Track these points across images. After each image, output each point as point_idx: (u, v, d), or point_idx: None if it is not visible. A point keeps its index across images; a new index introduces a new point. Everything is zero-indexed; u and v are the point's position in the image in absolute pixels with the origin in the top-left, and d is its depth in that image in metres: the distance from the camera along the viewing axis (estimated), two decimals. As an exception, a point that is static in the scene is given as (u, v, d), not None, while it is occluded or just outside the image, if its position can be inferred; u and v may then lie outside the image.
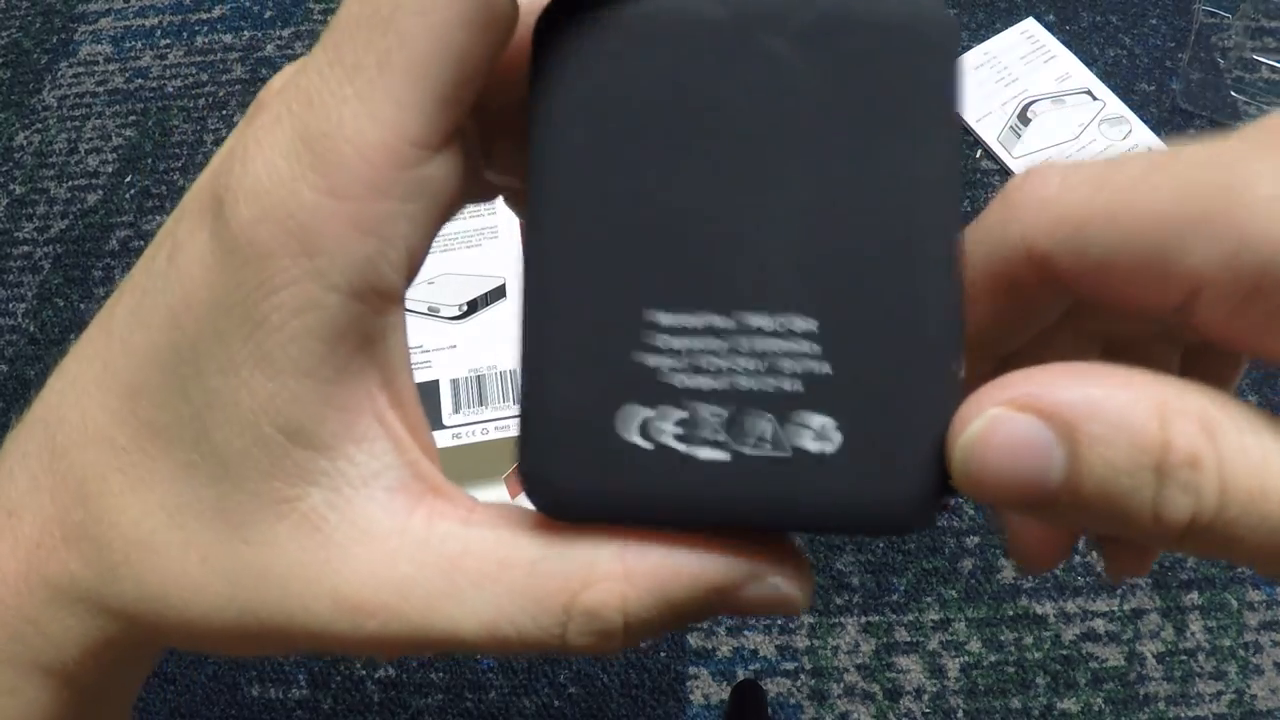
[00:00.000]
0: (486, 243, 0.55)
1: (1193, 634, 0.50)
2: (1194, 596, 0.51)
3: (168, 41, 0.79)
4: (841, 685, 0.49)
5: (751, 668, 0.50)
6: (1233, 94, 0.66)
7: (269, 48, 0.78)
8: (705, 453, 0.17)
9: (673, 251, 0.17)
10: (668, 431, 0.17)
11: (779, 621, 0.51)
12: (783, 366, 0.17)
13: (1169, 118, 0.66)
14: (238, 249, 0.17)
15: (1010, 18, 0.72)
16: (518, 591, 0.17)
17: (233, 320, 0.17)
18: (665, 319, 0.17)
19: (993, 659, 0.50)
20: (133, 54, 0.79)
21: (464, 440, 0.51)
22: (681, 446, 0.17)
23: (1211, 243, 0.15)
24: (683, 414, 0.17)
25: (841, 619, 0.51)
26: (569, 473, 0.17)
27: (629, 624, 0.17)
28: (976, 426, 0.15)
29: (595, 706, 0.50)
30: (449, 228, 0.56)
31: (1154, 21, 0.72)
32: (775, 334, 0.17)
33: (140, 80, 0.77)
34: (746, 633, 0.51)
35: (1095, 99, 0.67)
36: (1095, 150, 0.64)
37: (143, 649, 0.21)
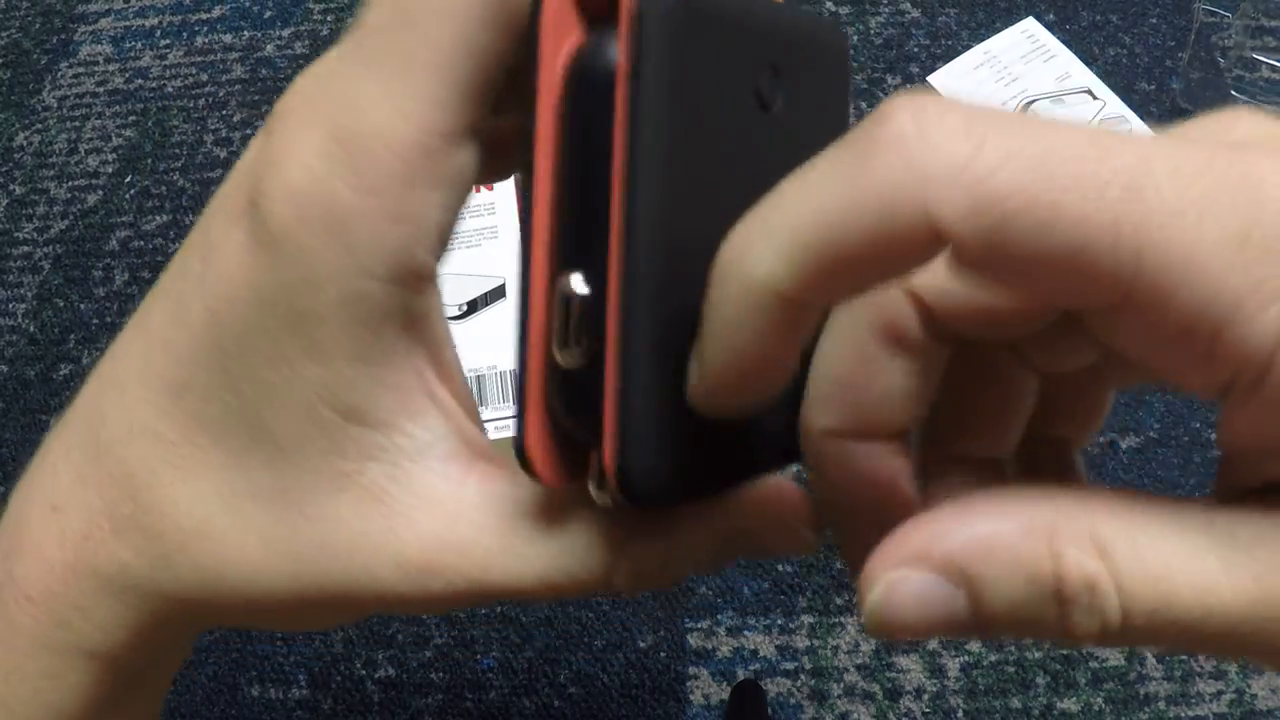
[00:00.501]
0: (486, 243, 0.55)
1: (1193, 634, 0.50)
2: (1194, 596, 0.51)
3: (168, 42, 0.79)
4: (841, 685, 0.49)
5: (751, 668, 0.50)
6: (1233, 93, 0.66)
7: (269, 48, 0.78)
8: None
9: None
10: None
11: (779, 621, 0.51)
12: None
13: (1169, 117, 0.66)
14: (278, 248, 0.18)
15: (1010, 17, 0.72)
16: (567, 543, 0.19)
17: (278, 315, 0.18)
18: None
19: (993, 659, 0.50)
20: (133, 54, 0.79)
21: (464, 440, 0.51)
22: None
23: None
24: None
25: (841, 619, 0.51)
26: (665, 469, 0.18)
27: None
28: (878, 592, 0.16)
29: (595, 706, 0.50)
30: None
31: (1154, 21, 0.72)
32: None
33: (140, 80, 0.77)
34: (746, 633, 0.51)
35: (1095, 98, 0.67)
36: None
37: (188, 631, 0.22)
